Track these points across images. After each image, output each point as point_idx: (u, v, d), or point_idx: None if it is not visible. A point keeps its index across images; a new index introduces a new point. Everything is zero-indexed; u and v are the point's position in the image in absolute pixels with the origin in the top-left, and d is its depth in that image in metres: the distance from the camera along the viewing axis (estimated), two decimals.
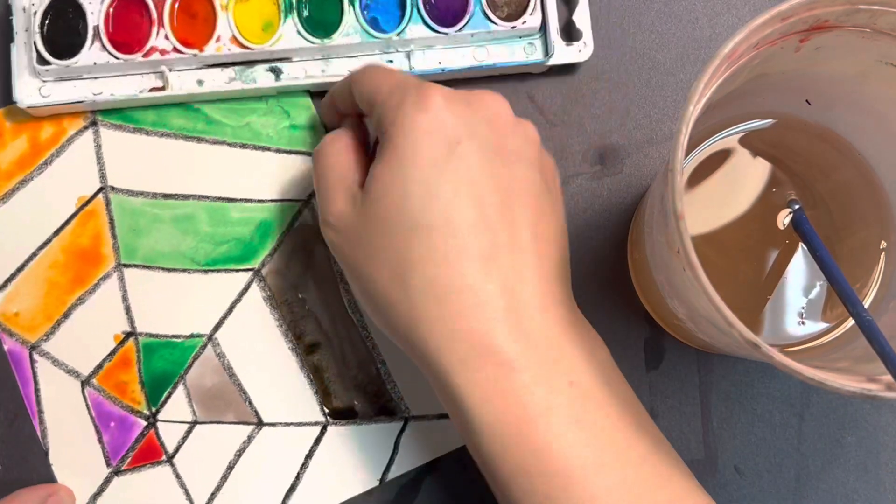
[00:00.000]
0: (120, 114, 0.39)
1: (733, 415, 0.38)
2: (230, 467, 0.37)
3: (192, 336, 0.38)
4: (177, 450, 0.37)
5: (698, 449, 0.38)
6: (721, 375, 0.38)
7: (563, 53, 0.38)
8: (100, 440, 0.37)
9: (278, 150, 0.39)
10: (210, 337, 0.38)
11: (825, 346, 0.34)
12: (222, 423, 0.38)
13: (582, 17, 0.38)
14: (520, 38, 0.38)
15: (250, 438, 0.38)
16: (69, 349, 0.38)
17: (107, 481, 0.37)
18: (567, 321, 0.30)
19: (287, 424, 0.38)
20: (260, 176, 0.39)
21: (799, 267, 0.34)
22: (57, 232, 0.38)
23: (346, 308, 0.38)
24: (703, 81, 0.26)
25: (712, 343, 0.33)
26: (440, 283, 0.29)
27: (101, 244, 0.38)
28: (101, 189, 0.39)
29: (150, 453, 0.37)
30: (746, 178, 0.35)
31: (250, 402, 0.38)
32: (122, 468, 0.37)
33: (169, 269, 0.38)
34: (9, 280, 0.38)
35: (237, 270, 0.38)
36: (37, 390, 0.38)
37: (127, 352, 0.38)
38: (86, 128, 0.39)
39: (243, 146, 0.39)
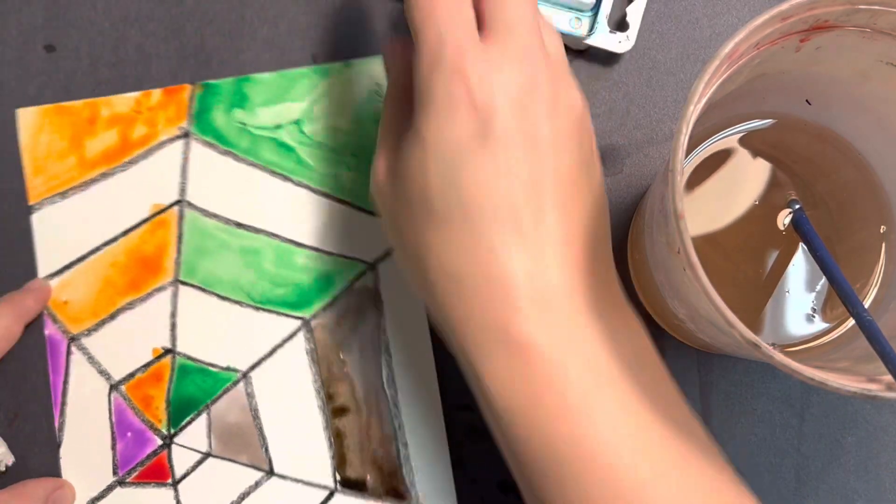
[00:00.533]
0: (214, 132, 0.39)
1: (733, 415, 0.38)
2: None
3: (227, 369, 0.38)
4: (184, 476, 0.37)
5: None
6: (721, 375, 0.38)
7: (604, 39, 0.38)
8: (113, 447, 0.37)
9: (358, 208, 0.39)
10: (245, 374, 0.38)
11: (825, 346, 0.34)
12: (234, 462, 0.38)
13: (635, 13, 0.38)
14: (570, 9, 0.38)
15: (257, 484, 0.37)
16: (106, 350, 0.38)
17: (109, 489, 0.37)
18: (597, 306, 0.29)
19: (296, 481, 0.37)
20: (334, 228, 0.39)
21: (799, 267, 0.34)
22: (125, 233, 0.38)
23: (383, 381, 0.38)
24: (703, 81, 0.26)
25: (712, 343, 0.33)
26: (456, 270, 0.29)
27: (164, 256, 0.38)
28: (178, 202, 0.39)
29: (157, 473, 0.37)
30: (746, 178, 0.35)
31: (266, 449, 0.38)
32: (127, 480, 0.37)
33: (223, 298, 0.38)
34: (67, 267, 0.38)
35: (288, 316, 0.38)
36: (65, 382, 0.38)
37: (161, 367, 0.38)
38: (178, 137, 0.39)
39: (326, 195, 0.39)
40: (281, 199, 0.39)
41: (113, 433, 0.38)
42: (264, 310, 0.38)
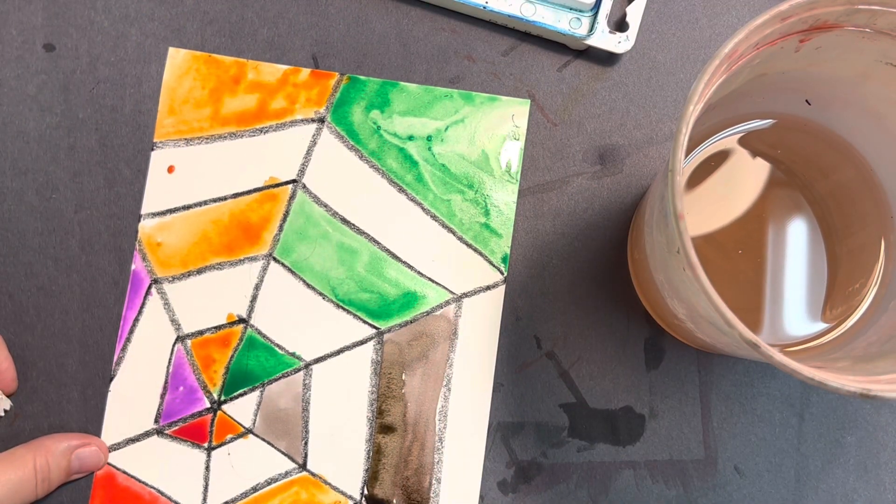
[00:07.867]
0: (348, 126, 0.39)
1: (733, 415, 0.38)
2: (254, 489, 0.37)
3: (293, 355, 0.38)
4: (220, 445, 0.38)
5: (698, 449, 0.38)
6: (721, 375, 0.38)
7: (604, 39, 0.38)
8: (162, 396, 0.38)
9: (460, 239, 0.39)
10: (307, 365, 0.38)
11: (825, 346, 0.34)
12: (272, 446, 0.38)
13: (635, 13, 0.39)
14: (570, 9, 0.39)
15: (287, 474, 0.38)
16: (184, 302, 0.38)
17: (146, 434, 0.38)
18: None
19: (325, 482, 0.37)
20: (433, 252, 0.39)
21: (799, 267, 0.34)
22: (235, 195, 0.39)
23: (436, 412, 0.38)
24: (703, 81, 0.26)
25: (712, 343, 0.33)
26: None
27: (265, 228, 0.39)
28: (293, 181, 0.39)
29: (196, 434, 0.38)
30: (746, 178, 0.35)
31: (306, 443, 0.38)
32: (166, 431, 0.38)
33: (308, 286, 0.38)
34: (170, 211, 0.39)
35: (364, 322, 0.38)
36: (136, 320, 0.38)
37: (231, 334, 0.38)
38: (313, 120, 0.39)
39: (434, 217, 0.39)
40: (391, 208, 0.39)
41: (166, 383, 0.38)
42: (344, 309, 0.38)
